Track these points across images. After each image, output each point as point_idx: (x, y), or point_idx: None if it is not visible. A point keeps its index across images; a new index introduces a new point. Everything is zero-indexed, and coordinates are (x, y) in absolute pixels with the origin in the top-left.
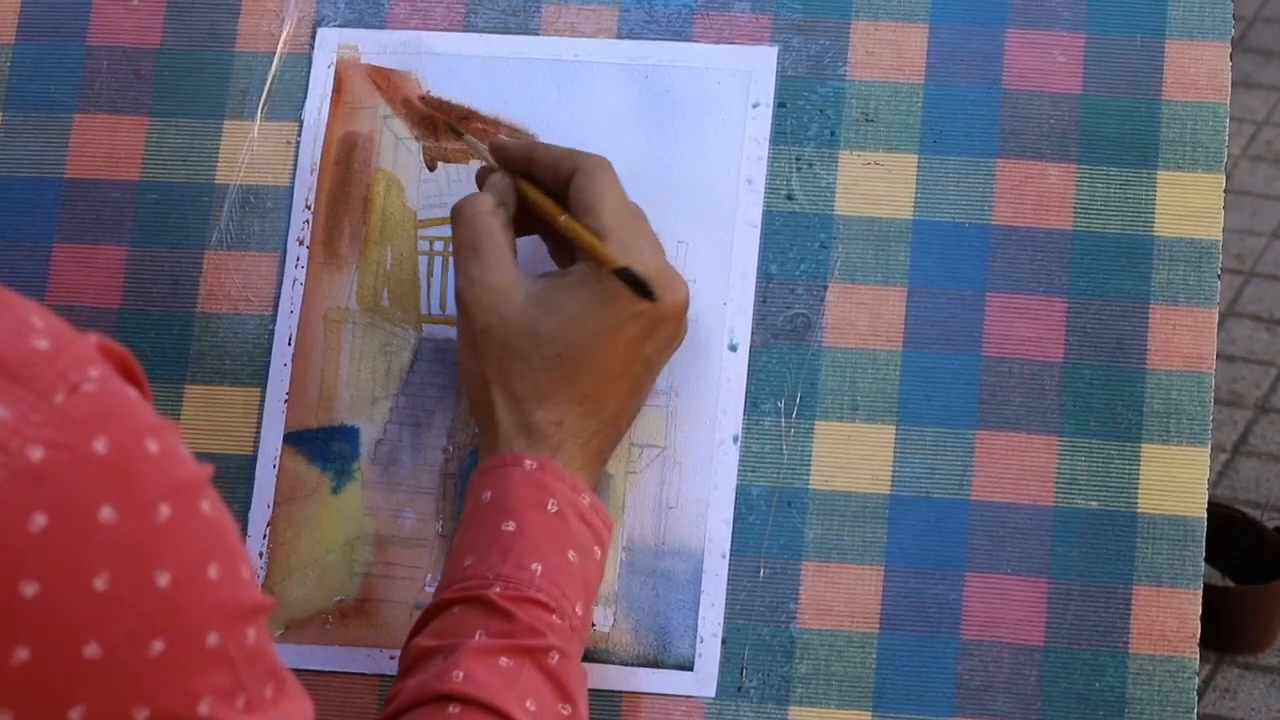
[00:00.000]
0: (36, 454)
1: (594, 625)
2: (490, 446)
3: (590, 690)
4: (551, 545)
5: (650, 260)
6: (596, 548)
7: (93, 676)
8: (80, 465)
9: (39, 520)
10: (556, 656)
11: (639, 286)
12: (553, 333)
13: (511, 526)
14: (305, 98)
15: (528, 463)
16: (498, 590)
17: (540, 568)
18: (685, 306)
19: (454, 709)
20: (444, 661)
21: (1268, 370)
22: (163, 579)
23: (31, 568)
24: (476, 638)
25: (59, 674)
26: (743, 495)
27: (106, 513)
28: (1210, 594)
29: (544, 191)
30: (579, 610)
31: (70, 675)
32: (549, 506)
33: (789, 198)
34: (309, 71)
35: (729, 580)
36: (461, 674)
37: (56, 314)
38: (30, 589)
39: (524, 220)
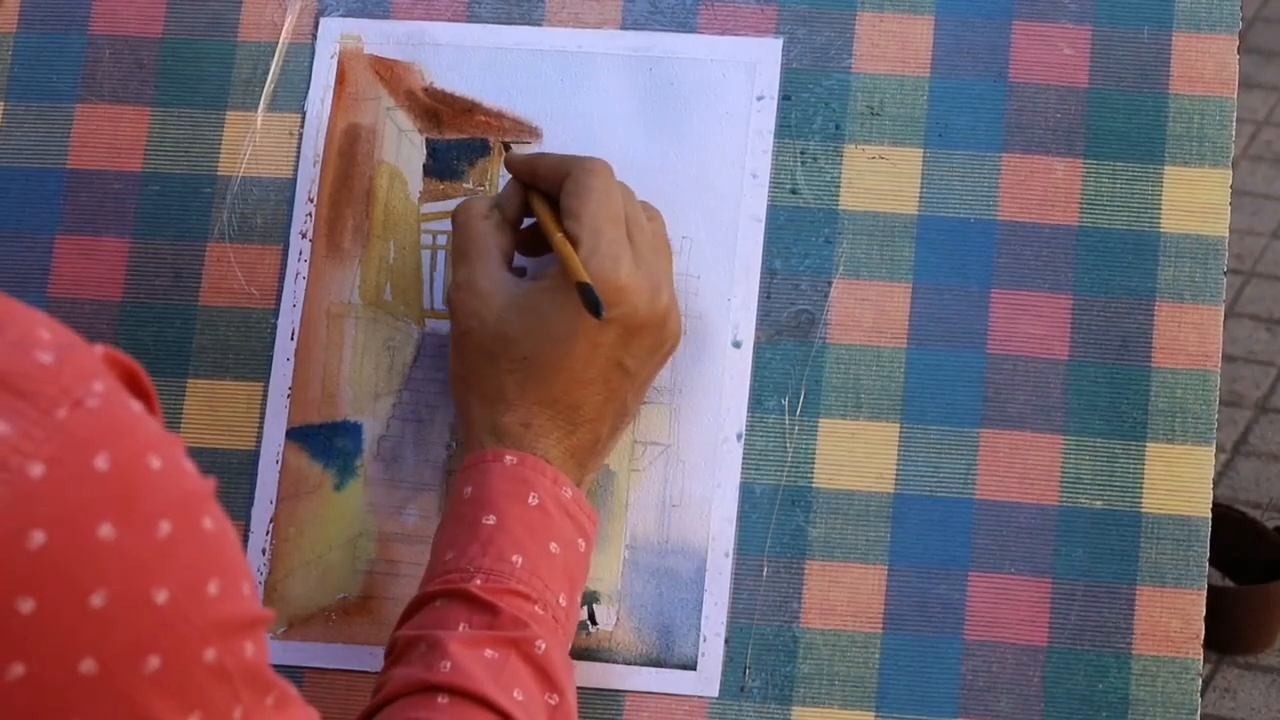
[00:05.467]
0: (37, 470)
1: (597, 624)
2: (470, 444)
3: (592, 689)
4: (532, 537)
5: (622, 267)
6: (580, 540)
7: (88, 693)
8: (80, 482)
9: (38, 537)
10: (542, 646)
11: (590, 304)
12: (521, 336)
13: (492, 520)
14: (308, 89)
15: (508, 458)
16: (479, 583)
17: (521, 560)
18: (664, 315)
19: (442, 699)
20: (430, 652)
21: (1268, 370)
22: (161, 596)
23: (29, 584)
24: (460, 629)
25: (54, 690)
26: (746, 493)
27: (106, 530)
28: (1210, 594)
29: (548, 201)
30: (562, 601)
31: (66, 691)
32: (530, 499)
33: (793, 192)
34: (312, 62)
35: (732, 579)
36: (449, 664)
37: (64, 325)
38: (27, 605)
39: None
